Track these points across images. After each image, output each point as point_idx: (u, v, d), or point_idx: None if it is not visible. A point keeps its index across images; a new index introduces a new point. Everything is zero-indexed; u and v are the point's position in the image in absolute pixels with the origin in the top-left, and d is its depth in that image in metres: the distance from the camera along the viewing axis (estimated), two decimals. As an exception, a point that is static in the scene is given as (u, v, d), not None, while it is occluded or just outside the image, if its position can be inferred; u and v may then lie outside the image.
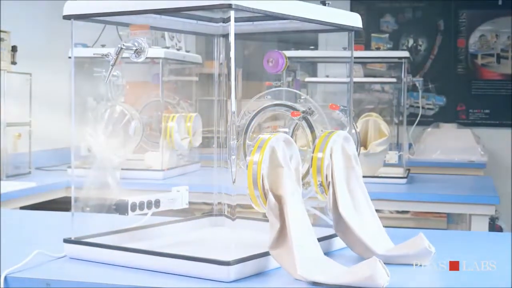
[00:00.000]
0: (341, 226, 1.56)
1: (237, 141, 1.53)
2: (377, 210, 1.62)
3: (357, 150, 1.71)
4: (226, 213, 1.90)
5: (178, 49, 3.82)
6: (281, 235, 1.41)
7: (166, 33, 3.77)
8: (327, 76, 4.60)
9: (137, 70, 3.82)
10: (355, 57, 1.80)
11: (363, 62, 4.38)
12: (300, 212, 1.44)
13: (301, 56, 3.74)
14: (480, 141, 5.23)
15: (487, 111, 5.77)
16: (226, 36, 1.89)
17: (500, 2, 5.73)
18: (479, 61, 5.80)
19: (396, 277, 1.35)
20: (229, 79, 1.44)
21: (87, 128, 3.01)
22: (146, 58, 1.61)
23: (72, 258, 1.57)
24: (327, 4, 1.67)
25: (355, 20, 1.77)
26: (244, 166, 1.46)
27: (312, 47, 3.79)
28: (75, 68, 1.71)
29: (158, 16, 1.60)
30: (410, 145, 4.75)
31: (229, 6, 1.36)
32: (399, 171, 3.57)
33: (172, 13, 1.62)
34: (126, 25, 1.70)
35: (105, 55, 1.60)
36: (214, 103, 1.94)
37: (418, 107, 5.07)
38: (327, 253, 1.53)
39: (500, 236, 2.55)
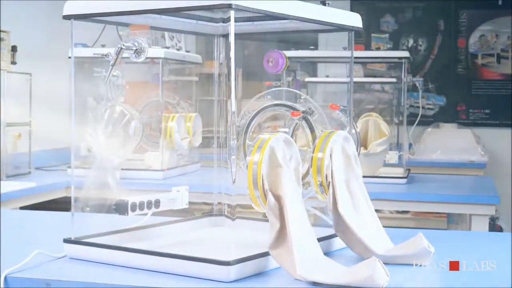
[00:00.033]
0: (341, 226, 1.56)
1: (237, 141, 1.53)
2: (377, 210, 1.62)
3: (357, 150, 1.71)
4: (226, 213, 1.90)
5: (178, 49, 3.82)
6: (281, 235, 1.41)
7: (166, 33, 3.77)
8: (327, 76, 4.60)
9: (137, 70, 3.82)
10: (355, 57, 1.81)
11: (363, 62, 4.38)
12: (300, 212, 1.44)
13: (301, 56, 3.73)
14: (480, 141, 5.23)
15: (487, 111, 5.77)
16: (226, 36, 1.89)
17: (500, 2, 5.73)
18: (479, 61, 5.80)
19: (395, 277, 1.35)
20: (229, 79, 1.44)
21: (87, 128, 3.02)
22: (146, 58, 1.61)
23: (72, 258, 1.57)
24: (327, 4, 1.67)
25: (355, 20, 1.77)
26: (244, 166, 1.46)
27: (312, 47, 3.79)
28: (75, 68, 1.71)
29: (158, 16, 1.60)
30: (410, 145, 4.75)
31: (229, 6, 1.36)
32: (399, 171, 3.56)
33: (172, 13, 1.62)
34: (126, 25, 1.70)
35: (105, 55, 1.60)
36: (214, 103, 1.94)
37: (418, 107, 5.07)
38: (327, 253, 1.53)
39: (500, 236, 2.55)
